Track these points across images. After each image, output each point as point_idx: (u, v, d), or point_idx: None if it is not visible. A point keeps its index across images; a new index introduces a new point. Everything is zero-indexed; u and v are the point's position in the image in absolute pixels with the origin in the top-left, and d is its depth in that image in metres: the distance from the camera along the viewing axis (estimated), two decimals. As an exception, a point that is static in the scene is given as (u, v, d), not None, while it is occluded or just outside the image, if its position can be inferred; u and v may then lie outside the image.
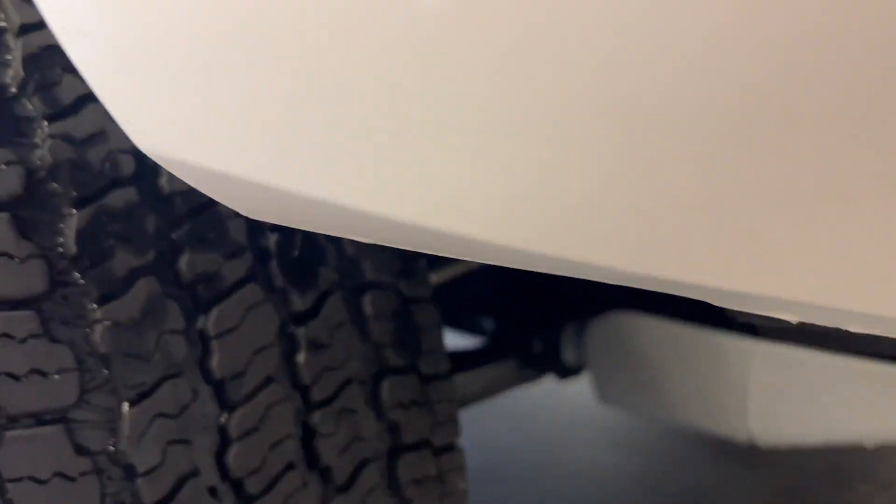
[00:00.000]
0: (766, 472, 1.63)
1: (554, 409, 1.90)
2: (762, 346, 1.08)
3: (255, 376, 0.64)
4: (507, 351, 1.31)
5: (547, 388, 1.85)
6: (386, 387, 0.72)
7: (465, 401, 1.31)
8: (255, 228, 0.66)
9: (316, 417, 0.67)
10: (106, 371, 0.58)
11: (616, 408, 1.30)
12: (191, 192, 0.64)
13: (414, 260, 0.77)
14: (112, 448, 0.58)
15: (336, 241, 0.71)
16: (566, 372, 1.32)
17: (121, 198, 0.60)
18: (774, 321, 0.87)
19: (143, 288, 0.60)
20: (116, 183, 0.60)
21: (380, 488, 0.71)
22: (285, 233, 0.68)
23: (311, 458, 0.67)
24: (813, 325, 1.11)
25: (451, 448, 0.78)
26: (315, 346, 0.67)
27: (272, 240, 0.67)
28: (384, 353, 0.72)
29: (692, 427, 1.22)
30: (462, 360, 1.32)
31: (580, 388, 1.76)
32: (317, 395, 0.67)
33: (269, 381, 0.65)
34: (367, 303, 0.72)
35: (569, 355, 1.30)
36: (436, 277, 1.22)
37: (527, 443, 1.79)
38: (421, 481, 0.74)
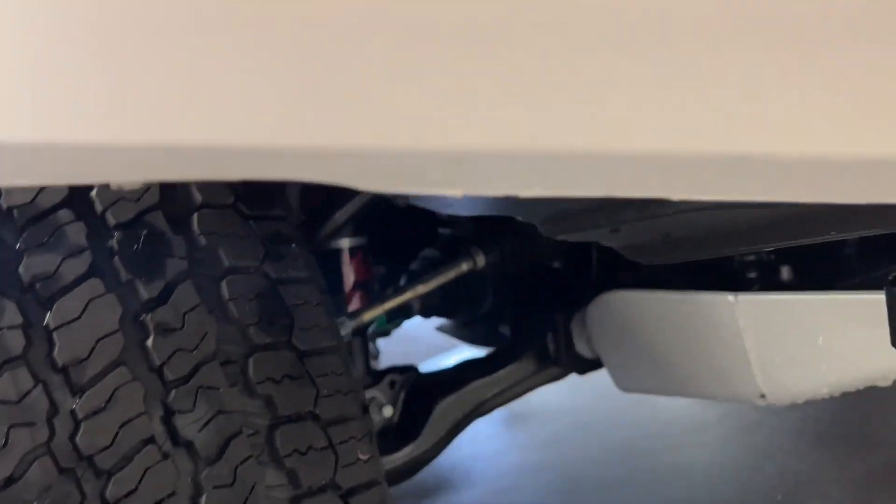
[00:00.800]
0: (861, 455, 1.50)
1: (636, 415, 1.84)
2: (745, 298, 1.03)
3: (99, 362, 0.70)
4: (523, 351, 1.31)
5: (626, 397, 1.81)
6: (252, 364, 0.75)
7: (489, 406, 1.31)
8: (95, 230, 0.73)
9: (172, 396, 0.72)
10: (-52, 368, 0.65)
11: (635, 393, 1.25)
12: (28, 205, 0.71)
13: (284, 245, 0.81)
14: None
15: (187, 235, 0.76)
16: (585, 365, 1.30)
17: (-44, 217, 0.68)
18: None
19: (-20, 292, 0.67)
20: (-48, 206, 0.69)
21: (254, 460, 0.74)
22: (127, 232, 0.74)
23: (174, 434, 0.72)
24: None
25: (343, 420, 0.80)
26: (165, 330, 0.72)
27: (115, 238, 0.73)
28: (249, 333, 0.76)
29: (708, 398, 1.16)
30: (480, 366, 1.33)
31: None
32: (170, 375, 0.72)
33: (115, 365, 0.70)
34: (225, 287, 0.76)
35: (582, 347, 1.28)
36: (424, 288, 1.25)
37: (611, 451, 1.74)
38: (305, 452, 0.76)
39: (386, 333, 1.48)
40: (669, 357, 1.14)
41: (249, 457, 0.74)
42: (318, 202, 1.25)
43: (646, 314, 1.14)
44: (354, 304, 1.28)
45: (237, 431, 0.74)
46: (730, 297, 1.05)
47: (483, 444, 1.83)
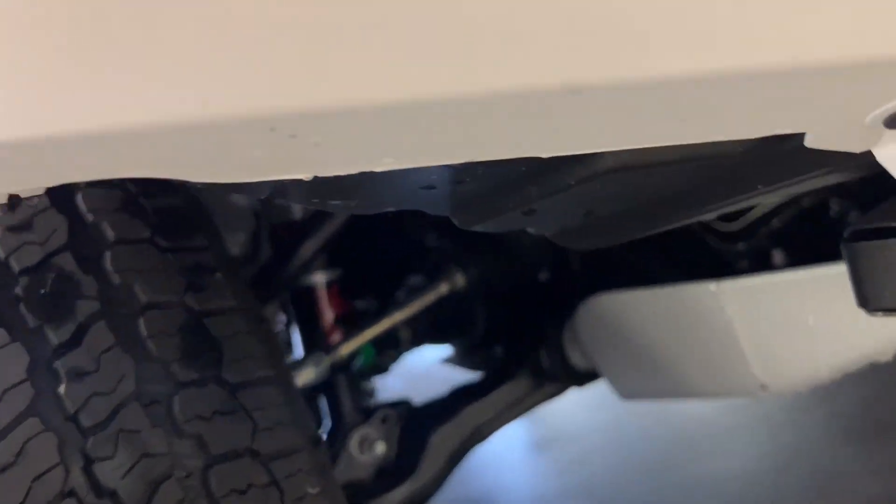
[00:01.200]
0: (892, 444, 1.41)
1: (662, 427, 1.76)
2: (728, 285, 0.97)
3: (6, 414, 0.66)
4: (517, 370, 1.25)
5: (650, 410, 1.73)
6: (178, 402, 0.71)
7: (487, 430, 1.25)
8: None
9: (90, 443, 0.68)
10: None
11: (636, 400, 1.19)
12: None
13: (208, 275, 0.77)
14: None
15: (98, 274, 0.72)
16: (582, 377, 1.24)
17: None
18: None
19: None
20: None
21: (187, 503, 0.69)
22: (34, 276, 0.70)
23: (95, 484, 0.67)
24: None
25: (287, 453, 0.75)
26: (78, 375, 0.68)
27: (20, 285, 0.70)
28: (172, 370, 0.72)
29: (710, 396, 1.09)
30: (474, 391, 1.28)
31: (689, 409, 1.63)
32: (87, 421, 0.68)
33: (25, 416, 0.66)
34: (143, 324, 0.72)
35: (577, 359, 1.22)
36: (402, 315, 1.20)
37: (639, 468, 1.65)
38: (245, 491, 0.72)
39: (382, 369, 1.42)
40: (662, 357, 1.08)
41: (181, 501, 0.69)
42: (288, 236, 1.22)
43: (631, 314, 1.08)
44: (335, 340, 1.23)
45: (167, 475, 0.69)
46: (711, 285, 0.99)
47: (507, 472, 1.76)
